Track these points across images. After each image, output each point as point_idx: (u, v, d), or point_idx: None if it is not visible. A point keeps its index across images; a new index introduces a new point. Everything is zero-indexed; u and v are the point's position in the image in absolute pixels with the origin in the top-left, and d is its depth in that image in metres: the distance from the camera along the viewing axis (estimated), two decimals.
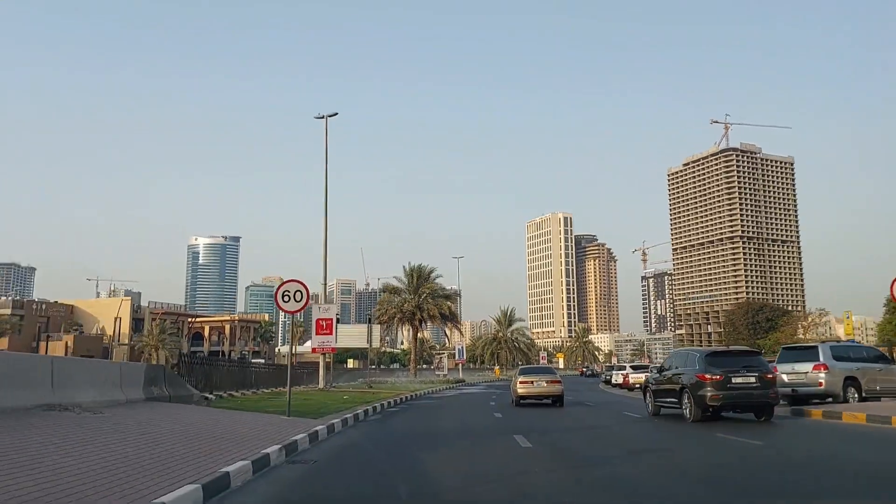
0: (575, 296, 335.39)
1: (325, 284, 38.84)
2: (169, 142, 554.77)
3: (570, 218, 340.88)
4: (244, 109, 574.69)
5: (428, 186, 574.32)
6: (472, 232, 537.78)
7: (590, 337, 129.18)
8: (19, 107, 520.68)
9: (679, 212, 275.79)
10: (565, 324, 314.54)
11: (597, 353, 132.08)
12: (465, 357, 71.52)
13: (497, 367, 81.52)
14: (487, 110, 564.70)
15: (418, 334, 65.26)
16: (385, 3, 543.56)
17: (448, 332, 69.49)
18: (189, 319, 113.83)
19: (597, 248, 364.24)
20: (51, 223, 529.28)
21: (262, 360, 76.22)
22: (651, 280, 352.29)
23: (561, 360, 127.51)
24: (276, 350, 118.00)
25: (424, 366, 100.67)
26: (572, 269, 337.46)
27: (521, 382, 24.68)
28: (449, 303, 62.50)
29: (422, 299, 60.25)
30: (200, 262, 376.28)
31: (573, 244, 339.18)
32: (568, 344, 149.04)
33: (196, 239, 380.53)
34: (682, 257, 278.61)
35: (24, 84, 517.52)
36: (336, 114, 37.29)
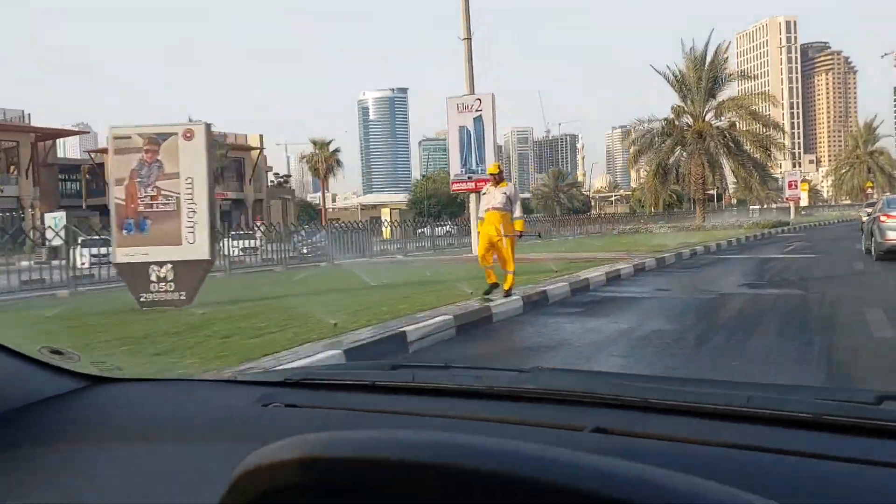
0: (800, 121, 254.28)
1: None
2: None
3: (794, 22, 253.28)
4: None
5: None
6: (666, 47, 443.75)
7: (879, 144, 63.74)
8: None
9: None
10: (787, 155, 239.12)
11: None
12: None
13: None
14: None
15: None
16: None
17: None
18: (34, 134, 49.82)
19: (830, 57, 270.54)
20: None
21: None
22: None
23: (805, 195, 66.68)
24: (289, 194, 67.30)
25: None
26: (796, 88, 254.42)
27: (888, 217, 13.69)
28: None
29: None
30: (370, 117, 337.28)
31: (798, 56, 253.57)
32: (838, 158, 79.65)
33: (364, 94, 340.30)
34: None
35: None
36: None
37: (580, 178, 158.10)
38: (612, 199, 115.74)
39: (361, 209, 65.19)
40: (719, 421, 1.01)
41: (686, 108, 34.94)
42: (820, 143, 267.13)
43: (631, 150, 35.79)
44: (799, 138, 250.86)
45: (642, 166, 36.95)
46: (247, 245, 19.75)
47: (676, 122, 35.08)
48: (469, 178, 16.79)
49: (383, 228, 31.97)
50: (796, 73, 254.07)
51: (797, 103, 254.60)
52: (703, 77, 33.99)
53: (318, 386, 1.44)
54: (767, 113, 35.86)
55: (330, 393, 1.41)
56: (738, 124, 34.34)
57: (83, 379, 1.46)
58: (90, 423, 1.31)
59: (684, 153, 34.16)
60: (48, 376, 1.41)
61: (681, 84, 34.69)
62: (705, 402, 1.08)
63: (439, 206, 77.85)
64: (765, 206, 79.71)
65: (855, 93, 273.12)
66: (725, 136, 34.46)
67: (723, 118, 34.34)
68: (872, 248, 14.40)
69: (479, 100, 16.80)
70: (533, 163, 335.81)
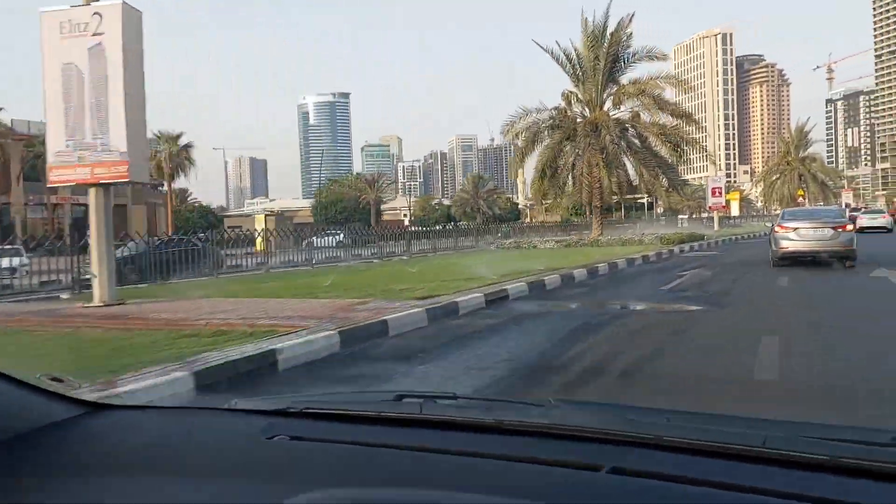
0: (735, 132, 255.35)
1: None
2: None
3: (730, 35, 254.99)
4: None
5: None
6: None
7: (811, 149, 57.92)
8: None
9: (887, 2, 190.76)
10: (722, 166, 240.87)
11: (828, 177, 60.60)
12: None
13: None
14: None
15: None
16: None
17: None
18: None
19: (764, 69, 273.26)
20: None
21: None
22: (839, 103, 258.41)
23: (735, 204, 61.54)
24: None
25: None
26: (732, 100, 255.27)
27: (781, 228, 14.81)
28: None
29: None
30: (311, 122, 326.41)
31: (733, 68, 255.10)
32: (769, 165, 72.20)
33: (304, 98, 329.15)
34: (888, 66, 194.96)
35: None
36: None
37: (520, 185, 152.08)
38: (544, 206, 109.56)
39: (267, 216, 56.22)
40: (736, 462, 0.99)
41: (580, 95, 27.79)
42: (755, 154, 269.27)
43: (515, 147, 28.46)
44: (734, 149, 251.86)
45: (531, 166, 29.59)
46: None
47: (569, 112, 27.93)
48: (80, 159, 8.95)
49: (257, 239, 24.25)
50: (732, 84, 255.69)
51: (733, 115, 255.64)
52: (600, 56, 26.90)
53: (323, 416, 1.38)
54: (681, 100, 28.66)
55: (335, 424, 1.35)
56: (642, 115, 27.35)
57: (83, 406, 1.42)
58: (88, 452, 1.27)
59: (577, 150, 27.01)
60: (48, 403, 1.38)
61: (573, 65, 27.55)
62: (721, 441, 1.05)
63: (345, 212, 69.97)
64: (694, 216, 73.69)
65: (788, 105, 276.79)
66: (626, 130, 27.49)
67: (622, 107, 27.35)
68: (770, 256, 15.12)
69: (99, 15, 8.92)
70: (478, 170, 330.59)
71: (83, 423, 1.35)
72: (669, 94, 28.05)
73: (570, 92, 27.86)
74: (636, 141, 27.71)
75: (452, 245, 27.17)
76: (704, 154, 27.49)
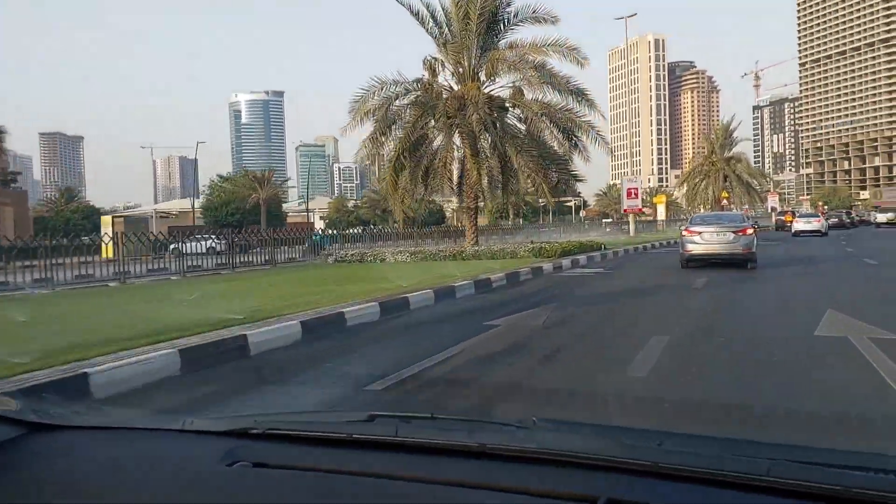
0: (667, 136, 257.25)
1: None
2: None
3: (663, 41, 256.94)
4: None
5: None
6: None
7: (737, 149, 54.00)
8: None
9: (811, 12, 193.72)
10: (655, 171, 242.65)
11: (754, 179, 55.94)
12: None
13: None
14: None
15: None
16: None
17: None
18: None
19: (695, 76, 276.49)
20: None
21: None
22: (766, 110, 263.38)
23: (662, 208, 57.31)
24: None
25: None
26: (664, 105, 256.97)
27: (688, 232, 15.40)
28: None
29: None
30: (243, 121, 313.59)
31: (665, 74, 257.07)
32: (693, 164, 66.32)
33: (236, 96, 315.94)
34: (812, 74, 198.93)
35: None
36: None
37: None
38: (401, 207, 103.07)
39: (115, 217, 48.12)
40: (740, 492, 0.92)
41: (446, 63, 21.56)
42: (685, 159, 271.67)
43: (362, 126, 22.02)
44: (666, 153, 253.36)
45: (385, 154, 23.03)
46: None
47: (434, 86, 21.66)
48: None
49: (103, 244, 17.42)
50: (664, 90, 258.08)
51: (665, 119, 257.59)
52: (472, 14, 20.65)
53: (288, 438, 1.25)
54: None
55: (302, 448, 1.21)
56: (525, 92, 21.29)
57: (20, 426, 1.27)
58: (24, 478, 1.12)
59: (437, 133, 20.75)
60: None
61: (438, 23, 21.30)
62: (722, 468, 0.97)
63: (238, 213, 62.41)
64: (631, 220, 68.79)
65: (717, 111, 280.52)
66: (506, 110, 21.39)
67: (500, 79, 21.20)
68: (679, 259, 15.39)
69: None
70: None
71: (22, 445, 1.20)
72: (568, 70, 21.91)
73: (435, 59, 21.54)
74: (519, 125, 21.65)
75: (277, 258, 20.57)
76: (597, 142, 21.36)
